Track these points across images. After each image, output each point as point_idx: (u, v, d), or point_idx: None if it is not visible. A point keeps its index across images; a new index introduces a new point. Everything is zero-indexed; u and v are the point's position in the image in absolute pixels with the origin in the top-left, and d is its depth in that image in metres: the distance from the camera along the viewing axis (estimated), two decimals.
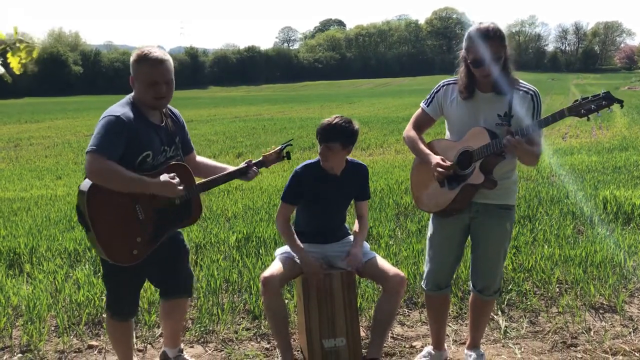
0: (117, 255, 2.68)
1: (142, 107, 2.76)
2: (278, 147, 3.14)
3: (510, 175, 3.00)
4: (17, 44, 1.52)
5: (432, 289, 3.19)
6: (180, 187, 2.68)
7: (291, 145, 3.17)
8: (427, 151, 3.04)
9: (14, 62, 1.53)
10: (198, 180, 2.95)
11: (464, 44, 2.87)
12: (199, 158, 3.16)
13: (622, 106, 2.67)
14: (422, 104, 3.15)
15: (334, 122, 2.97)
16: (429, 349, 3.36)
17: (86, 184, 2.61)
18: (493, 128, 2.85)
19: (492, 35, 2.76)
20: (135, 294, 2.99)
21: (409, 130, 3.16)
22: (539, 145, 2.84)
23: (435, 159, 2.96)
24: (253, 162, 3.08)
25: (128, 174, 2.56)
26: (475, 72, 2.85)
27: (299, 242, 3.15)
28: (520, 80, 2.93)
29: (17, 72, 1.56)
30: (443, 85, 3.07)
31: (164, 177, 2.65)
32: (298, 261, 3.13)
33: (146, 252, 2.74)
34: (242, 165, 3.06)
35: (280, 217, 3.20)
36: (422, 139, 3.13)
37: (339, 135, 2.96)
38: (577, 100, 2.73)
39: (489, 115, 2.89)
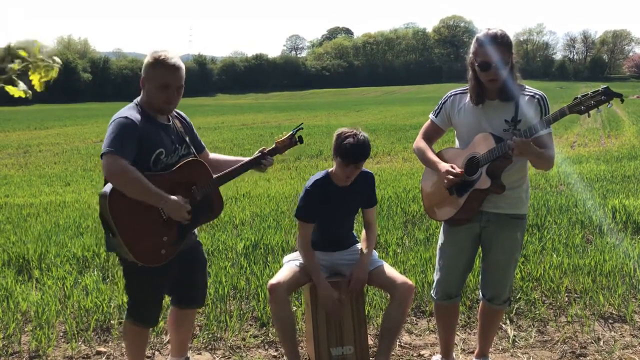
0: (146, 257, 2.66)
1: (148, 109, 2.78)
2: (290, 133, 3.09)
3: (521, 183, 2.99)
4: (39, 62, 1.54)
5: (442, 298, 3.18)
6: (188, 215, 2.69)
7: (302, 129, 3.09)
8: (436, 160, 3.05)
9: (35, 80, 1.55)
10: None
11: (471, 48, 2.88)
12: (212, 155, 3.16)
13: (622, 101, 2.69)
14: (430, 115, 3.16)
15: (359, 141, 2.93)
16: (437, 357, 3.35)
17: (107, 188, 2.60)
18: (500, 134, 2.86)
19: (500, 41, 2.79)
20: (159, 299, 2.98)
21: (418, 142, 3.18)
22: (548, 148, 2.84)
23: (445, 166, 2.97)
24: (267, 150, 3.04)
25: (146, 182, 2.57)
26: (481, 76, 2.85)
27: (320, 270, 3.12)
28: (526, 86, 2.94)
29: (39, 90, 1.57)
30: (450, 96, 3.08)
31: (179, 198, 2.66)
32: (306, 269, 3.13)
33: (174, 251, 2.74)
34: (256, 154, 3.00)
35: (301, 240, 3.15)
36: (432, 149, 3.14)
37: (365, 153, 2.98)
38: (577, 98, 2.74)
39: (496, 121, 2.89)
